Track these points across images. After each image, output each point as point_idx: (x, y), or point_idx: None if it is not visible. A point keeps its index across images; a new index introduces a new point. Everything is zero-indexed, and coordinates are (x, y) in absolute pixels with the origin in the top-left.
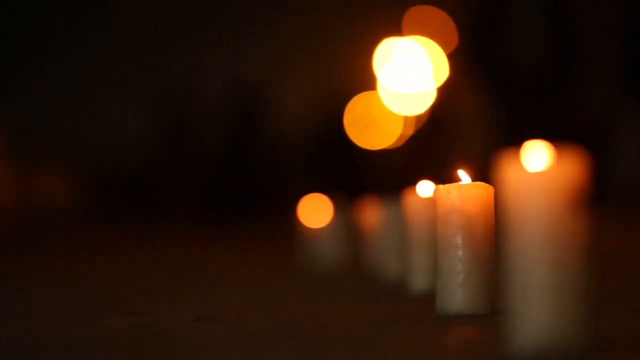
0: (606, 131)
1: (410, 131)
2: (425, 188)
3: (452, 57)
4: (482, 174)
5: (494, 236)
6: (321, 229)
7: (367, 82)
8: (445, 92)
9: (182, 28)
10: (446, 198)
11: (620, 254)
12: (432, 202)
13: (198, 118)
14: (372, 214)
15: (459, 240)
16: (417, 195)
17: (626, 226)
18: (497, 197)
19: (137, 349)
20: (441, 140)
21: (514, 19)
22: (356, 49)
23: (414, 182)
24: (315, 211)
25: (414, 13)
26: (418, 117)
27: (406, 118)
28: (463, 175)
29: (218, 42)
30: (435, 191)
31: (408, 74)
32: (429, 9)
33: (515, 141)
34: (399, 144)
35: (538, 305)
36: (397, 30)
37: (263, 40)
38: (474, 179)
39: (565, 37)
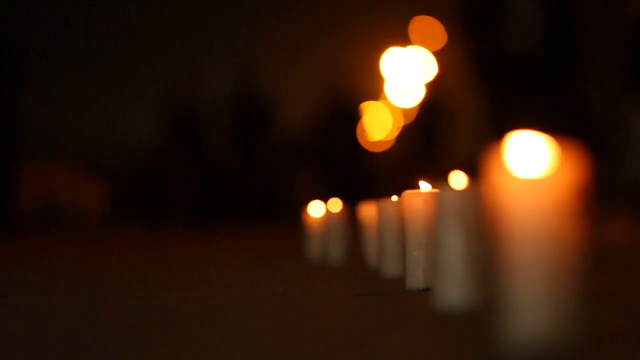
0: (613, 127)
1: (401, 122)
2: (423, 188)
3: (445, 52)
4: (477, 170)
5: (491, 234)
6: (322, 228)
7: (372, 86)
8: (436, 87)
9: (186, 28)
10: (444, 197)
11: (626, 250)
12: (430, 201)
13: (203, 119)
14: (371, 213)
15: (456, 239)
16: (415, 194)
17: (633, 223)
18: (493, 194)
19: (136, 344)
20: (434, 135)
21: (511, 8)
22: (360, 53)
23: (411, 182)
24: (318, 211)
25: (415, 22)
26: (406, 111)
27: (395, 111)
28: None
29: (223, 43)
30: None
31: (404, 69)
32: (424, 18)
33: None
34: (393, 137)
35: (534, 301)
36: (395, 36)
37: (268, 42)
38: (469, 177)
39: (565, 27)
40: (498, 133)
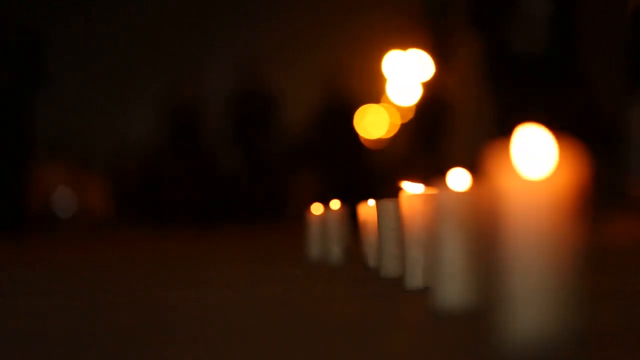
0: (614, 127)
1: (398, 120)
2: (420, 188)
3: (443, 51)
4: (478, 169)
5: (491, 234)
6: (322, 228)
7: (372, 87)
8: (434, 85)
9: (186, 28)
10: (442, 197)
11: (626, 250)
12: (429, 201)
13: (204, 119)
14: (370, 213)
15: (455, 239)
16: (414, 194)
17: (633, 223)
18: (493, 194)
19: (136, 344)
20: (433, 133)
21: (517, 5)
22: (362, 54)
23: (411, 181)
24: (318, 212)
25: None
26: (403, 110)
27: (395, 110)
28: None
29: (223, 43)
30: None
31: (404, 69)
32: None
33: (511, 134)
34: (391, 135)
35: (533, 301)
36: (396, 37)
37: (268, 42)
38: (471, 174)
39: (570, 25)
40: (500, 132)
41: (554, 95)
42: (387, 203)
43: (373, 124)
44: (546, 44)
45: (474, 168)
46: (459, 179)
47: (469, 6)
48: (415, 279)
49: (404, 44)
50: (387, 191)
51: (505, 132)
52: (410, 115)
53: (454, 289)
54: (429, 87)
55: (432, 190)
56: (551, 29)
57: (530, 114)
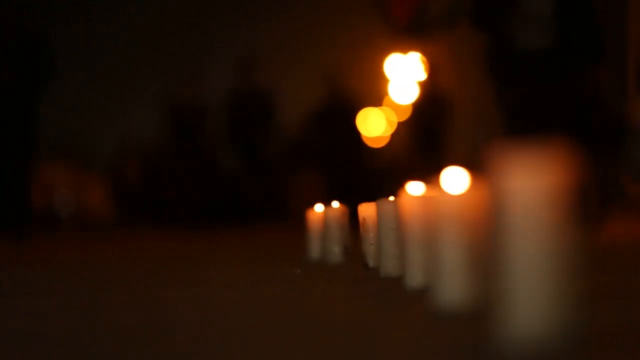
0: (617, 126)
1: (395, 119)
2: (419, 188)
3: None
4: (477, 168)
5: (490, 235)
6: (322, 229)
7: (373, 88)
8: (430, 84)
9: (186, 28)
10: (442, 198)
11: (626, 249)
12: (427, 202)
13: (204, 119)
14: (370, 213)
15: (455, 239)
16: (412, 194)
17: (634, 222)
18: (492, 193)
19: (136, 344)
20: (432, 132)
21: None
22: (363, 54)
23: (410, 180)
24: (318, 212)
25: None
26: (400, 109)
27: (394, 109)
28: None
29: (223, 43)
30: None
31: (403, 70)
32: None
33: (512, 135)
34: (389, 133)
35: (533, 301)
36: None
37: (268, 42)
38: (470, 173)
39: (572, 22)
40: (502, 131)
41: (556, 95)
42: (387, 203)
43: (374, 124)
44: (548, 42)
45: (474, 168)
46: (454, 177)
47: (470, 5)
48: (415, 279)
49: (404, 46)
50: (387, 191)
51: (506, 131)
52: (408, 114)
53: (454, 288)
54: (427, 86)
55: (433, 190)
56: (553, 27)
57: (531, 114)
